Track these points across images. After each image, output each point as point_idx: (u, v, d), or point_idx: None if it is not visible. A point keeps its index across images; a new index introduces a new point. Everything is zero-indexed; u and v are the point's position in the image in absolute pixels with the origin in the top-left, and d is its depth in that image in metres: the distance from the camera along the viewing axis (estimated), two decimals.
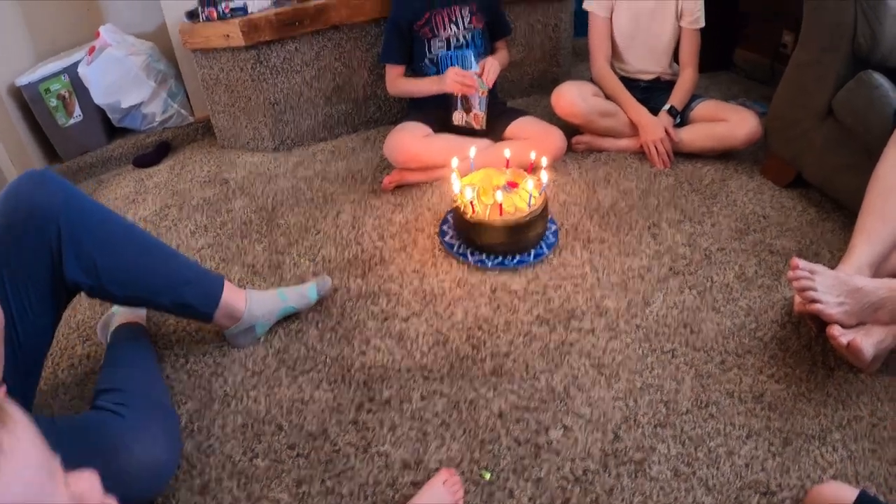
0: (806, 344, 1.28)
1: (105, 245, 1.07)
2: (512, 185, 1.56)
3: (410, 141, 1.84)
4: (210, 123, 2.45)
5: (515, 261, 1.51)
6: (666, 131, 1.93)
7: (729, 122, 1.91)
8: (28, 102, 2.31)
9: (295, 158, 2.20)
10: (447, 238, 1.60)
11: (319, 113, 2.29)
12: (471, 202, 1.51)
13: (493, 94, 1.95)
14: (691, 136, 1.96)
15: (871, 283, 1.23)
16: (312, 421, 1.12)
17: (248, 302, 1.27)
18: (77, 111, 2.39)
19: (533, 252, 1.53)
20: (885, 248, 1.32)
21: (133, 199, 2.10)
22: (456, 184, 1.55)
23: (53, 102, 2.33)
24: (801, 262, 1.22)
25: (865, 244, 1.32)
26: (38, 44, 2.56)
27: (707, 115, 1.97)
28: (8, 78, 2.30)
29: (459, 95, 1.88)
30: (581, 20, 2.23)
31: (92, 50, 2.33)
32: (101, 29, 2.35)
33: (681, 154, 1.98)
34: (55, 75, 2.31)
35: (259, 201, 1.92)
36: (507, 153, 1.71)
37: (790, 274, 1.22)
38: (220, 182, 2.10)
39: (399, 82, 2.04)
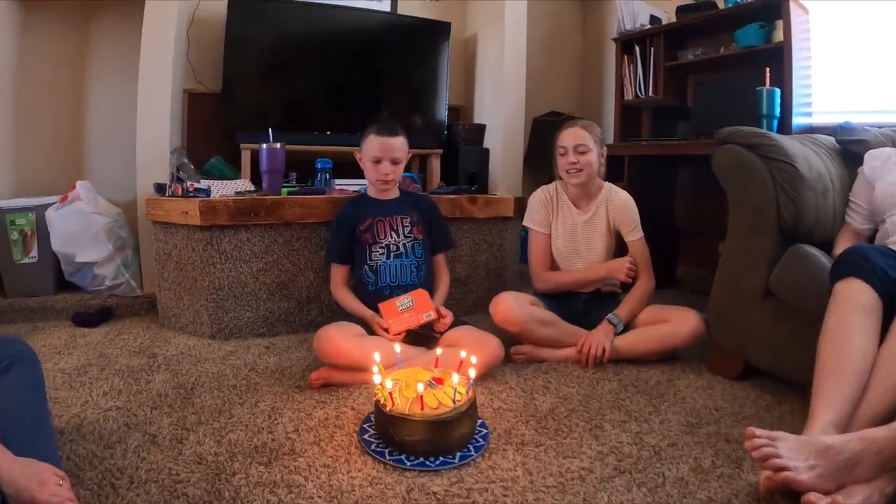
0: None
1: None
2: (438, 381, 1.52)
3: (340, 336, 1.82)
4: (155, 301, 2.47)
5: (438, 462, 1.38)
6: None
7: (671, 322, 1.95)
8: None
9: (229, 348, 2.17)
10: (366, 436, 1.49)
11: (261, 307, 2.30)
12: (390, 394, 1.44)
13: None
14: (634, 339, 1.98)
15: (839, 439, 1.13)
16: None
17: None
18: (34, 252, 2.46)
19: (458, 454, 1.40)
20: (848, 406, 1.23)
21: (60, 350, 2.12)
22: (377, 375, 1.49)
23: (15, 236, 2.41)
24: (758, 430, 1.14)
25: (825, 408, 1.23)
26: (21, 177, 2.74)
27: (649, 319, 2.02)
28: None
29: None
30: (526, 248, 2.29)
31: (64, 199, 2.49)
32: (78, 183, 2.53)
33: (625, 360, 1.97)
34: (24, 210, 2.42)
35: (180, 378, 1.85)
36: (438, 351, 1.69)
37: (748, 444, 1.13)
38: (148, 355, 2.07)
39: (342, 292, 2.07)
